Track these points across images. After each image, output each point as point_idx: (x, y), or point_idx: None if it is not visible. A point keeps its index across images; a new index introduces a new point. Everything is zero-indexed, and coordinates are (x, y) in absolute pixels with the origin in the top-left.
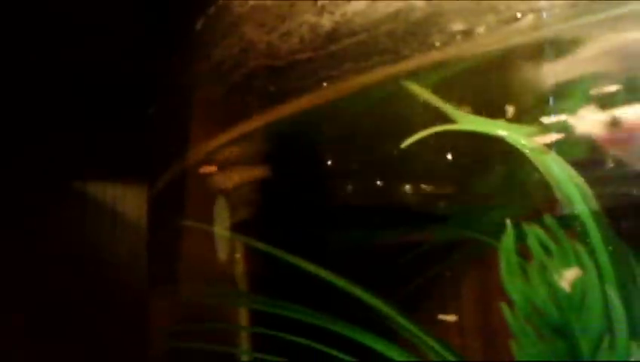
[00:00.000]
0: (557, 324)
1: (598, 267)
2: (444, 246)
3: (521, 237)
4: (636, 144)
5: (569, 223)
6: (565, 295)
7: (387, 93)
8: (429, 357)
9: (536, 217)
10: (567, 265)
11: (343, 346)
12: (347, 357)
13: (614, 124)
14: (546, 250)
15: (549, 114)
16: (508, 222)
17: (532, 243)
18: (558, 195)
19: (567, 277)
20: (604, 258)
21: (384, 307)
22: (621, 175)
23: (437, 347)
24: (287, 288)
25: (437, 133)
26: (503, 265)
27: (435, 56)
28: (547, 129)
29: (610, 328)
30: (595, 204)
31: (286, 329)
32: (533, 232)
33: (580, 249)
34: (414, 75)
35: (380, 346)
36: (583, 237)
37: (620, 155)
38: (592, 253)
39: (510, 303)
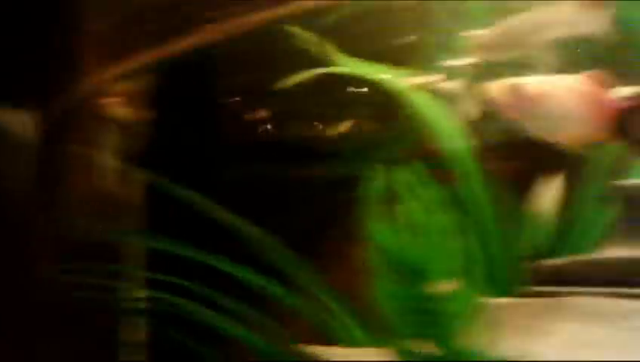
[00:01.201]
0: (416, 265)
1: (476, 205)
2: (333, 182)
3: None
4: (534, 109)
5: (449, 163)
6: (426, 238)
7: (272, 35)
8: (307, 291)
9: (418, 156)
10: (431, 208)
11: (229, 284)
12: (232, 297)
13: (515, 91)
14: (413, 193)
15: (431, 59)
16: (376, 166)
17: (399, 187)
18: (438, 136)
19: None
20: (483, 197)
21: (272, 243)
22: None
23: (315, 283)
24: (176, 223)
25: (328, 74)
26: (369, 207)
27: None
28: (427, 71)
29: (467, 270)
30: (468, 146)
31: (177, 267)
32: (401, 176)
33: (445, 193)
34: (297, 18)
35: (263, 282)
36: (462, 176)
37: (516, 121)
38: (471, 192)
39: (374, 243)
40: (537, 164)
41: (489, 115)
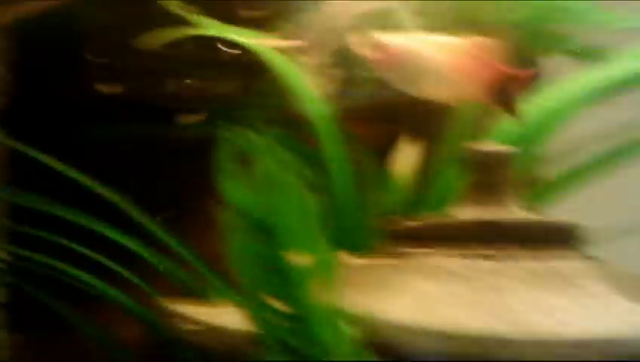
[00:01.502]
0: (262, 222)
1: (334, 166)
2: (196, 143)
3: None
4: (401, 66)
5: (303, 126)
6: (271, 196)
7: None
8: (171, 251)
9: (280, 118)
10: (285, 168)
11: (96, 243)
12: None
13: (378, 46)
14: (267, 153)
15: (292, 23)
16: (232, 126)
17: (254, 147)
18: (294, 99)
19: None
20: (334, 159)
21: (133, 204)
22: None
23: (173, 243)
24: (42, 180)
25: (193, 36)
26: (218, 166)
27: None
28: (286, 36)
29: (309, 228)
30: (328, 109)
31: (41, 225)
32: (257, 137)
33: (288, 155)
34: None
35: (124, 241)
36: (322, 138)
37: (383, 76)
38: (322, 154)
39: (229, 202)
40: (403, 127)
41: (355, 78)
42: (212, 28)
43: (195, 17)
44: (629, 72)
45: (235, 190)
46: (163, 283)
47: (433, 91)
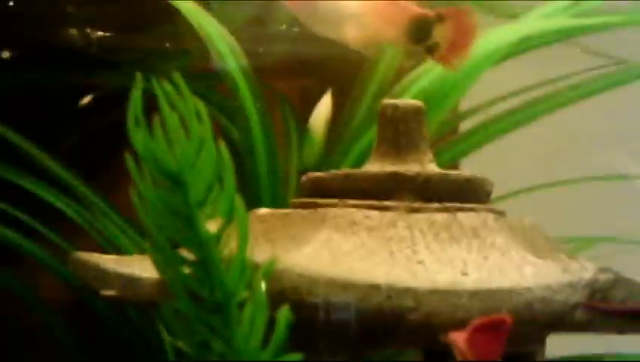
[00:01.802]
0: (173, 173)
1: (245, 121)
2: (116, 93)
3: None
4: (314, 8)
5: (220, 78)
6: (182, 147)
7: None
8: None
9: (198, 70)
10: (187, 120)
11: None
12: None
13: None
14: (171, 105)
15: None
16: (137, 75)
17: (160, 97)
18: (211, 51)
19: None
20: (251, 114)
21: (47, 159)
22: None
23: (89, 194)
24: None
25: None
26: (129, 115)
27: None
28: None
29: (219, 178)
30: (244, 62)
31: None
32: (163, 87)
33: (200, 105)
34: None
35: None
36: (233, 92)
37: (297, 15)
38: (240, 108)
39: (135, 151)
40: (324, 82)
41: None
42: None
43: None
44: (536, 30)
45: (145, 139)
46: (83, 236)
47: (349, 33)
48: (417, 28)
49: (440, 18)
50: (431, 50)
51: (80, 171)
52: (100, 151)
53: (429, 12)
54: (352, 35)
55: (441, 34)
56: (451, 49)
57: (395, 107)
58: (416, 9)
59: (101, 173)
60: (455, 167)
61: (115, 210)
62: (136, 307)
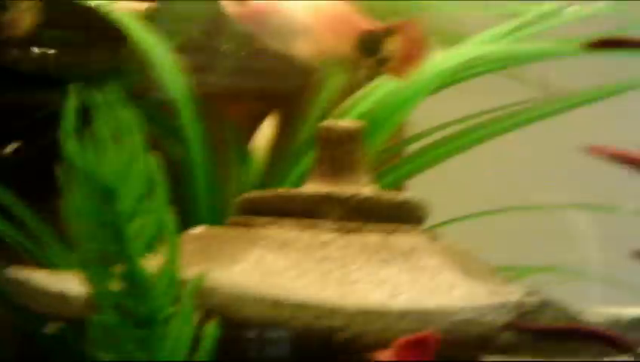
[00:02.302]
0: (103, 183)
1: (187, 143)
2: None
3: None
4: (265, 21)
5: (163, 100)
6: (112, 160)
7: None
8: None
9: (140, 91)
10: (122, 131)
11: None
12: None
13: (239, 2)
14: (105, 115)
15: None
16: (73, 86)
17: (93, 109)
18: (154, 73)
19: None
20: (193, 135)
21: None
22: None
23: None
24: None
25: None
26: (63, 127)
27: None
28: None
29: (149, 192)
30: (186, 85)
31: None
32: (97, 99)
33: (133, 117)
34: None
35: None
36: (175, 114)
37: (251, 31)
38: (181, 130)
39: (68, 162)
40: (270, 104)
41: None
42: None
43: None
44: (477, 56)
45: (77, 150)
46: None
47: (300, 47)
48: (367, 41)
49: (389, 31)
50: (382, 63)
51: (18, 191)
52: (39, 170)
53: (379, 25)
54: (302, 48)
55: (391, 47)
56: (402, 61)
57: (333, 129)
58: (366, 23)
59: (41, 194)
60: (399, 189)
61: (49, 227)
62: (67, 323)
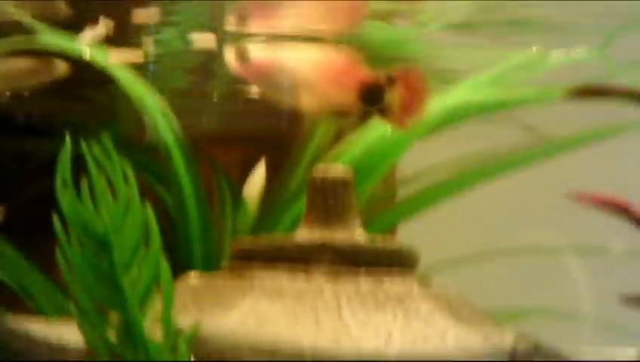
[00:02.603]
0: (99, 235)
1: (179, 189)
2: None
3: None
4: (267, 76)
5: (155, 148)
6: (107, 211)
7: None
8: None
9: (132, 139)
10: (115, 182)
11: None
12: None
13: (243, 58)
14: (100, 167)
15: (144, 40)
16: (67, 136)
17: (88, 159)
18: (146, 120)
19: None
20: (185, 182)
21: None
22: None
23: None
24: None
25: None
26: (57, 177)
27: None
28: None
29: (145, 242)
30: (178, 132)
31: None
32: (92, 149)
33: (127, 168)
34: None
35: None
36: (166, 160)
37: (250, 81)
38: (174, 176)
39: (62, 213)
40: (261, 151)
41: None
42: (55, 39)
43: (40, 27)
44: (463, 103)
45: (72, 201)
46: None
47: (302, 100)
48: (369, 92)
49: (391, 81)
50: (383, 113)
51: (12, 238)
52: (33, 219)
53: (380, 75)
54: (305, 101)
55: (393, 96)
56: (404, 111)
57: (324, 175)
58: (368, 73)
59: (35, 242)
60: (393, 232)
61: (46, 274)
62: None
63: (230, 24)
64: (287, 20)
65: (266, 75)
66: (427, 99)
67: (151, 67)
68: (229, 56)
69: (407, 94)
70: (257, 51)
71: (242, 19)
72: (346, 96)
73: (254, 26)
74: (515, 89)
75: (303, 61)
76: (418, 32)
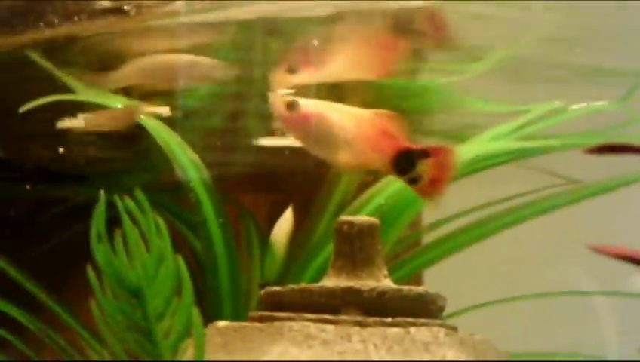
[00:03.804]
0: (133, 287)
1: (208, 235)
2: (83, 206)
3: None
4: (311, 128)
5: (183, 194)
6: (142, 262)
7: (15, 60)
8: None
9: (158, 184)
10: (148, 235)
11: None
12: None
13: (292, 107)
14: (133, 220)
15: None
16: (101, 192)
17: (122, 213)
18: (175, 168)
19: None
20: (214, 227)
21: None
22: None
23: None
24: None
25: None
26: (92, 230)
27: (50, 33)
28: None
29: (178, 292)
30: (207, 177)
31: None
32: (125, 203)
33: (160, 221)
34: (34, 47)
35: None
36: (196, 206)
37: (294, 135)
38: (202, 222)
39: (96, 266)
40: (288, 197)
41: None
42: (88, 94)
43: (73, 83)
44: (482, 153)
45: (107, 254)
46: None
47: (339, 157)
48: (403, 160)
49: (425, 153)
50: (413, 182)
51: (44, 281)
52: (65, 262)
53: (416, 146)
54: (342, 159)
55: (424, 168)
56: (431, 183)
57: (351, 224)
58: (404, 143)
59: (66, 284)
60: (419, 278)
61: (78, 321)
62: None
63: (278, 75)
64: (329, 69)
65: (310, 127)
66: (453, 177)
67: (180, 116)
68: (278, 104)
69: (437, 169)
70: (305, 103)
71: (291, 70)
72: (381, 160)
73: (301, 77)
74: (538, 138)
75: (347, 120)
76: (444, 82)
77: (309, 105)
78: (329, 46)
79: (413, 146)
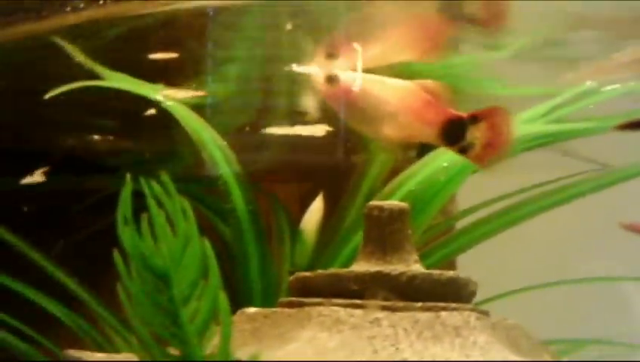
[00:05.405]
0: (159, 270)
1: (238, 223)
2: (109, 196)
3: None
4: (354, 102)
5: (213, 182)
6: (168, 245)
7: (33, 48)
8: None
9: (191, 174)
10: (174, 218)
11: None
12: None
13: (332, 81)
14: (159, 204)
15: (204, 79)
16: (127, 175)
17: (148, 197)
18: (204, 156)
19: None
20: (244, 216)
21: (45, 261)
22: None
23: (92, 301)
24: None
25: (103, 90)
26: (119, 214)
27: (75, 17)
28: (198, 92)
29: (204, 276)
30: (236, 167)
31: None
32: (151, 187)
33: (186, 204)
34: (62, 33)
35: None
36: (225, 195)
37: (335, 108)
38: (232, 211)
39: (122, 249)
40: (320, 185)
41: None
42: (119, 80)
43: (104, 70)
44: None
45: (133, 238)
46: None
47: (385, 131)
48: (452, 129)
49: (474, 119)
50: (464, 151)
51: (76, 272)
52: (96, 254)
53: (464, 114)
54: (388, 132)
55: (475, 135)
56: (486, 148)
57: (381, 209)
58: (452, 111)
59: (98, 276)
60: (452, 263)
61: (108, 309)
62: None
63: (317, 62)
64: (372, 52)
65: (352, 101)
66: (511, 140)
67: (210, 104)
68: (318, 79)
69: (490, 133)
70: (346, 77)
71: (331, 56)
72: (429, 132)
73: (342, 63)
74: (569, 121)
75: (390, 92)
76: (481, 59)
77: (350, 78)
78: (370, 30)
79: (462, 114)
